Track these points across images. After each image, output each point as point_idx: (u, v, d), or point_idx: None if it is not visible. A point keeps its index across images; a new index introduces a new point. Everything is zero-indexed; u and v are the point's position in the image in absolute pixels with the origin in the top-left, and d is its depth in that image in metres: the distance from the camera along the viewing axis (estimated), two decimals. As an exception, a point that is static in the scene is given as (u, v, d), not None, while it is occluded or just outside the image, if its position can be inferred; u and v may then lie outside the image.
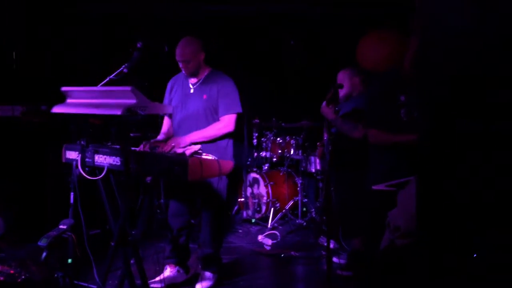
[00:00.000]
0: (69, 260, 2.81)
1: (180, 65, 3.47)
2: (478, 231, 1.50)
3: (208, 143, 3.35)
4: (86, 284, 2.94)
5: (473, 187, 1.48)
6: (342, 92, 3.98)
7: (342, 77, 4.03)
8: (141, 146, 3.14)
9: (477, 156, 1.50)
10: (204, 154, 2.74)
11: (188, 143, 3.23)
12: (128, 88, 2.50)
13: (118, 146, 2.77)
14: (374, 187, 2.56)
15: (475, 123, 1.48)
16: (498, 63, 1.48)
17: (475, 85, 1.50)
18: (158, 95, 3.77)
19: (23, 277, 3.44)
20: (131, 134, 4.11)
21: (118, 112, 2.45)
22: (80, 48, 5.41)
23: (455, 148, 1.50)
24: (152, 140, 3.29)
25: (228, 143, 3.54)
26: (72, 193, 2.92)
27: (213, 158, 2.74)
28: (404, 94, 2.58)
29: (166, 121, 3.73)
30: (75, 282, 2.83)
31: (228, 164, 2.88)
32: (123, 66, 3.06)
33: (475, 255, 1.46)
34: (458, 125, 1.51)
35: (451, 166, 1.50)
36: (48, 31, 5.17)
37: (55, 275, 2.76)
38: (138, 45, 3.13)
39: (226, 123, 3.45)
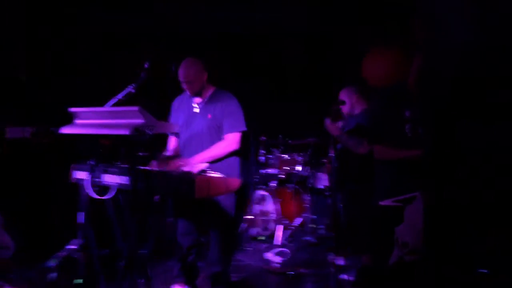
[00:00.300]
0: (80, 281, 2.81)
1: (184, 85, 3.51)
2: (484, 245, 1.49)
3: (214, 162, 3.37)
4: (95, 305, 2.94)
5: (479, 200, 1.48)
6: (345, 110, 4.02)
7: (343, 95, 4.08)
8: (153, 164, 3.17)
9: (483, 170, 1.50)
10: (211, 172, 2.75)
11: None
12: (135, 108, 2.53)
13: (126, 166, 2.80)
14: (381, 203, 2.55)
15: (481, 135, 1.49)
16: (499, 76, 1.49)
17: (477, 99, 1.51)
18: (164, 115, 3.82)
19: (32, 298, 3.45)
20: (140, 153, 4.14)
21: (126, 132, 2.48)
22: (91, 65, 5.49)
23: (460, 163, 1.51)
24: (161, 157, 3.32)
25: (235, 161, 3.56)
26: (81, 213, 2.94)
27: (220, 175, 2.75)
28: (409, 110, 2.58)
29: (172, 139, 3.76)
30: (85, 302, 2.83)
31: (235, 182, 2.89)
32: (130, 86, 3.11)
33: (480, 270, 1.46)
34: (463, 140, 1.52)
35: (456, 180, 1.51)
36: (61, 52, 5.25)
37: (64, 295, 2.77)
38: (146, 66, 3.18)
39: (230, 141, 3.47)
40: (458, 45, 1.54)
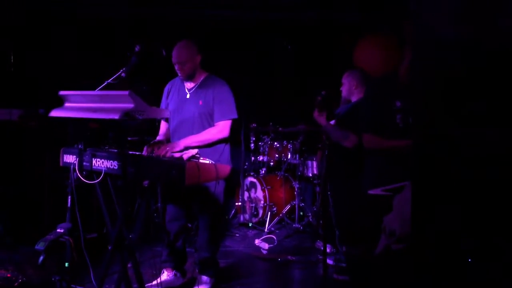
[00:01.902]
0: (66, 264, 2.81)
1: (176, 67, 3.48)
2: (473, 235, 1.52)
3: (204, 148, 3.37)
4: (82, 288, 2.95)
5: (467, 191, 1.50)
6: (344, 93, 4.02)
7: (345, 78, 4.08)
8: (145, 150, 3.16)
9: (470, 160, 1.52)
10: (201, 158, 2.75)
11: (182, 148, 3.24)
12: (125, 92, 2.51)
13: (115, 150, 2.79)
14: (370, 192, 2.58)
15: (468, 129, 1.51)
16: (488, 71, 1.50)
17: (464, 92, 1.52)
18: (156, 100, 3.79)
19: (20, 280, 3.45)
20: (129, 138, 4.13)
21: (116, 116, 2.45)
22: (78, 51, 5.42)
23: (448, 154, 1.52)
24: (151, 142, 3.30)
25: (225, 148, 3.56)
26: (69, 197, 2.93)
27: (210, 162, 2.75)
28: (400, 100, 2.59)
29: (163, 124, 3.75)
30: (72, 285, 2.83)
31: (226, 168, 2.89)
32: (121, 70, 3.08)
33: (470, 260, 1.48)
34: (451, 130, 1.53)
35: (446, 171, 1.52)
36: (48, 35, 5.19)
37: (52, 278, 2.77)
38: (136, 49, 3.15)
39: (220, 128, 3.46)
40: (446, 40, 1.55)
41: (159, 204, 4.78)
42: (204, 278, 3.57)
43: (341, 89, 4.11)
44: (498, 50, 1.48)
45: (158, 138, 3.66)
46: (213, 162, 2.78)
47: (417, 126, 1.76)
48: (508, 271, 1.52)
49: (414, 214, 1.63)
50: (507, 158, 1.46)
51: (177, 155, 2.84)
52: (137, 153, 3.02)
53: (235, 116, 3.52)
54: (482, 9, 1.52)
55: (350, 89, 4.03)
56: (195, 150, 2.82)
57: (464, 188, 1.50)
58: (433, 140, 1.54)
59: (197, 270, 3.63)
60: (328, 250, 4.37)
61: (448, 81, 1.52)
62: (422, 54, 1.59)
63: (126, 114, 2.46)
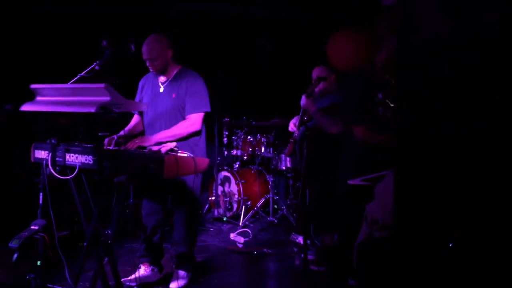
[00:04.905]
0: (39, 262, 2.74)
1: (147, 63, 3.41)
2: (453, 223, 1.56)
3: (179, 141, 3.33)
4: (58, 287, 2.88)
5: (449, 181, 1.54)
6: (320, 86, 4.04)
7: (319, 73, 4.10)
8: (106, 141, 3.09)
9: (452, 151, 1.56)
10: (180, 151, 2.72)
11: (154, 143, 3.20)
12: (101, 85, 2.46)
13: (90, 145, 2.73)
14: (350, 182, 2.60)
15: (450, 121, 1.55)
16: (473, 65, 1.54)
17: (450, 86, 1.56)
18: (128, 94, 3.72)
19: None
20: (100, 134, 4.05)
21: (92, 110, 2.40)
22: (44, 48, 5.29)
23: (431, 145, 1.56)
24: (115, 136, 3.23)
25: (200, 141, 3.53)
26: (41, 194, 2.85)
27: (189, 155, 2.72)
28: (381, 92, 2.62)
29: (134, 118, 3.68)
30: (48, 284, 2.77)
31: (204, 162, 2.87)
32: (95, 63, 3.02)
33: (451, 245, 1.52)
34: (433, 121, 1.57)
35: (428, 161, 1.56)
36: (10, 31, 5.04)
37: (27, 277, 2.70)
38: (103, 44, 3.10)
39: (192, 121, 3.42)
40: (433, 34, 1.58)
41: (131, 201, 4.73)
42: (181, 273, 3.54)
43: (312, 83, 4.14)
44: (483, 44, 1.52)
45: (123, 131, 3.57)
46: (192, 155, 2.76)
47: (399, 119, 1.79)
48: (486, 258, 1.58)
49: (396, 202, 1.67)
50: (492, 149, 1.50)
51: (155, 148, 2.81)
52: (111, 147, 2.96)
53: (208, 109, 3.48)
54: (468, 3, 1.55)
55: (330, 82, 4.07)
56: (174, 144, 2.79)
57: (447, 177, 1.54)
58: (417, 132, 1.57)
59: (174, 265, 3.60)
60: (302, 242, 4.42)
61: (435, 75, 1.56)
62: (406, 47, 1.62)
63: (103, 107, 2.41)
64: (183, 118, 3.45)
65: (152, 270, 3.57)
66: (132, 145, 3.02)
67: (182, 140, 3.38)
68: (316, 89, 4.04)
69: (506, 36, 1.50)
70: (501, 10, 1.50)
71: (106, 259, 2.76)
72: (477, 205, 1.58)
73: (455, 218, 1.55)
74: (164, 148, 2.68)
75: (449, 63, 1.58)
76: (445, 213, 1.55)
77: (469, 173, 1.57)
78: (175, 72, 3.51)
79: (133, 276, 3.39)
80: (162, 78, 3.52)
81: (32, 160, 2.98)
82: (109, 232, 2.72)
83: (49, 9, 5.28)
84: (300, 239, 4.55)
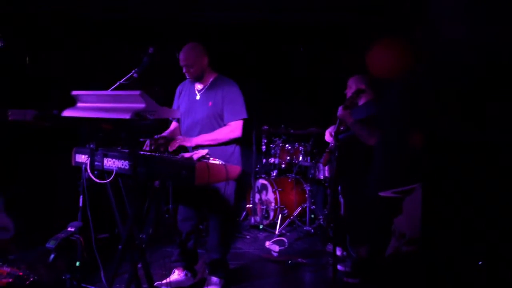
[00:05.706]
0: (77, 263, 2.83)
1: (184, 70, 3.50)
2: (480, 239, 1.50)
3: (214, 148, 3.37)
4: (93, 287, 2.96)
5: (476, 196, 1.48)
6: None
7: (353, 82, 4.05)
8: (147, 142, 3.18)
9: (480, 165, 1.50)
10: (211, 158, 2.75)
11: (194, 144, 3.26)
12: (137, 92, 2.52)
13: (127, 150, 2.80)
14: (381, 194, 2.55)
15: (476, 133, 1.49)
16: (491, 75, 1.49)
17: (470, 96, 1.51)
18: (168, 100, 3.81)
19: (31, 279, 3.48)
20: (141, 139, 4.15)
21: (127, 116, 2.47)
22: (91, 52, 5.47)
23: (459, 157, 1.50)
24: (156, 136, 3.31)
25: (235, 149, 3.56)
26: (81, 196, 2.95)
27: (220, 162, 2.75)
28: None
29: (173, 124, 3.76)
30: (82, 284, 2.85)
31: (236, 169, 2.89)
32: (133, 71, 3.10)
33: (480, 263, 1.46)
34: (461, 135, 1.52)
35: (456, 175, 1.51)
36: (61, 34, 5.23)
37: (63, 277, 2.78)
38: (150, 51, 3.17)
39: (233, 128, 3.46)
40: (457, 55, 1.54)
41: (170, 205, 4.80)
42: (214, 279, 3.57)
43: (345, 92, 4.08)
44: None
45: (165, 133, 3.66)
46: (223, 163, 2.78)
47: (429, 129, 1.75)
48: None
49: (424, 216, 1.62)
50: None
51: (187, 155, 2.85)
52: (148, 153, 3.03)
53: (246, 116, 3.52)
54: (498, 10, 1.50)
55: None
56: (205, 150, 2.82)
57: (476, 192, 1.48)
58: (447, 145, 1.52)
59: (207, 271, 3.63)
60: (338, 253, 4.35)
61: (464, 84, 1.51)
62: (435, 57, 1.58)
63: (137, 114, 2.48)
64: (219, 126, 3.49)
65: (186, 275, 3.61)
66: (174, 144, 3.09)
67: (217, 146, 3.42)
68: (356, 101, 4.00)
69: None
70: None
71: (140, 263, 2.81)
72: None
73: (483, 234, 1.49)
74: (196, 155, 2.72)
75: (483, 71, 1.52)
76: (473, 229, 1.49)
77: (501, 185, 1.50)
78: (211, 79, 3.56)
79: (165, 280, 3.44)
80: (198, 86, 3.58)
81: (73, 164, 3.09)
82: (144, 236, 2.78)
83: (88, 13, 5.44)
84: (335, 250, 4.48)
